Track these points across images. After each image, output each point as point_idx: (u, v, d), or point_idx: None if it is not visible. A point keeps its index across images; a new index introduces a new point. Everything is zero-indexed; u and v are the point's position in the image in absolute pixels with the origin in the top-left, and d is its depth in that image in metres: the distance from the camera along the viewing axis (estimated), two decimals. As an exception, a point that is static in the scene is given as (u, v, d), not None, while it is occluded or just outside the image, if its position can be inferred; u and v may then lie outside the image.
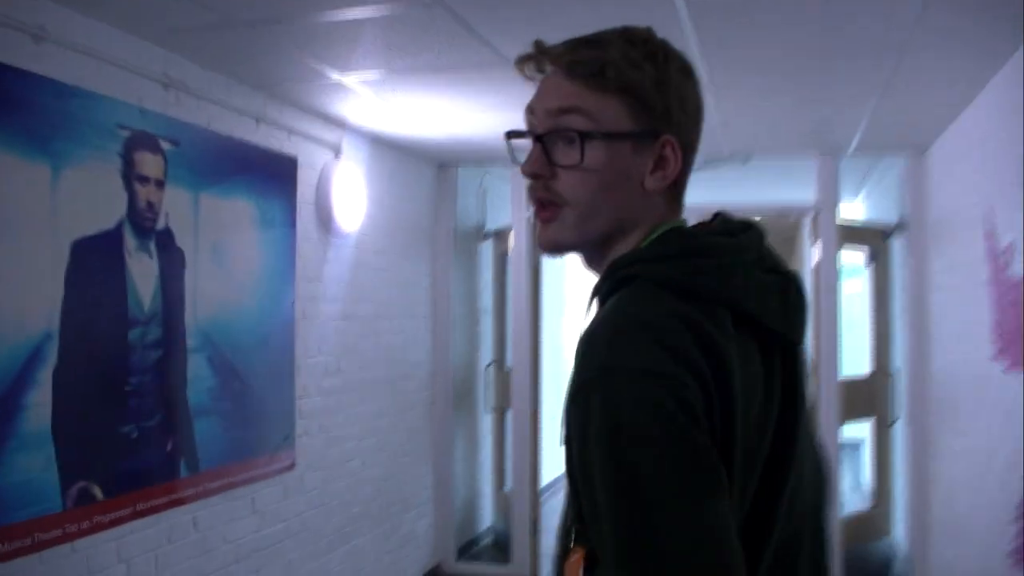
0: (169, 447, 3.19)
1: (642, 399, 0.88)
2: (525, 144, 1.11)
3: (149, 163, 3.09)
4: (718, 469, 0.88)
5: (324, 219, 4.26)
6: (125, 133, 2.98)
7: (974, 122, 3.77)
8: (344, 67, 3.39)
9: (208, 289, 3.39)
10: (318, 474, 4.20)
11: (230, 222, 3.55)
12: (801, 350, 1.09)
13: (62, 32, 2.72)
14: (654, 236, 1.07)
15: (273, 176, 3.85)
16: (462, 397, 5.75)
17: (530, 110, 1.10)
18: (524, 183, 1.12)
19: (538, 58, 1.09)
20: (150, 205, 3.09)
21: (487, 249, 6.12)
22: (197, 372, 3.33)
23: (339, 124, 4.36)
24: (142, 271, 3.05)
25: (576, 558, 0.96)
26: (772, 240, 1.12)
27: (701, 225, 1.11)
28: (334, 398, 4.36)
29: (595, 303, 1.06)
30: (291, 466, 3.96)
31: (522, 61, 1.10)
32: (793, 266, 1.15)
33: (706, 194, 6.69)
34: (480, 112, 4.05)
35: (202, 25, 2.90)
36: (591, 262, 1.14)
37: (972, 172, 3.78)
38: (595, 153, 1.05)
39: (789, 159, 5.16)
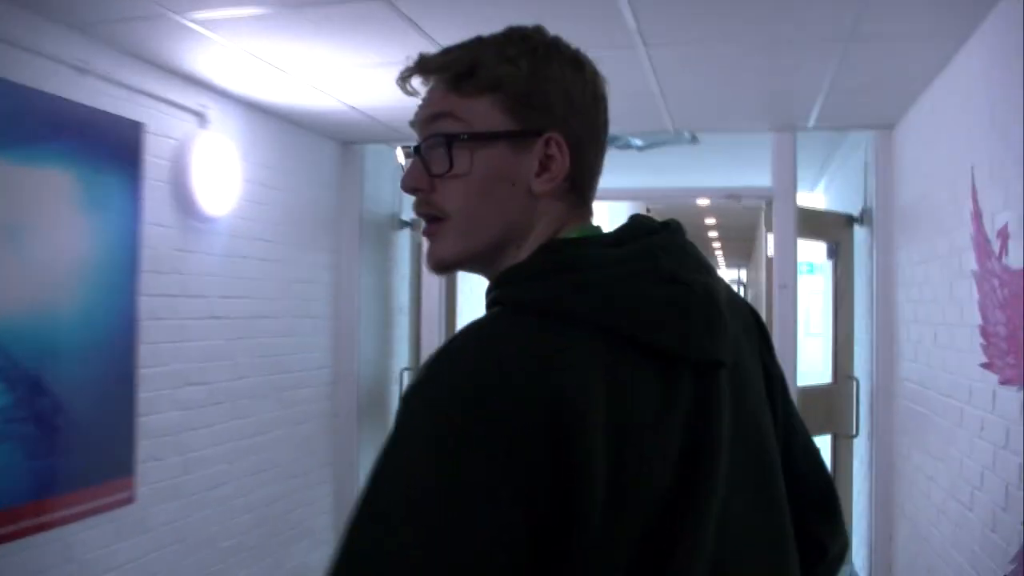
0: (-70, 486, 2.46)
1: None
2: None
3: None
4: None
5: (184, 201, 3.54)
6: None
7: (952, 88, 3.16)
8: (189, 5, 2.69)
9: (-1, 281, 2.67)
10: (170, 506, 3.48)
11: (35, 198, 2.82)
12: (727, 372, 0.95)
13: None
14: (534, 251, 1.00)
15: (106, 144, 3.12)
16: (371, 408, 5.05)
17: (412, 125, 1.07)
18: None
19: (417, 70, 1.04)
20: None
21: (404, 239, 5.43)
22: (-22, 387, 2.61)
23: (204, 85, 3.64)
24: None
25: None
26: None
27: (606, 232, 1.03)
28: (194, 413, 3.65)
29: None
30: (128, 499, 3.24)
31: (403, 78, 1.05)
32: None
33: (655, 179, 6.15)
34: (390, 76, 3.38)
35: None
36: (489, 279, 1.04)
37: (950, 147, 3.17)
38: (466, 157, 1.00)
39: (741, 136, 4.54)
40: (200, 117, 3.63)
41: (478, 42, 1.03)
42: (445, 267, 1.05)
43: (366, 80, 3.51)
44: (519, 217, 1.02)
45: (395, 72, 1.04)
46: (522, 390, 0.80)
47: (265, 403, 4.15)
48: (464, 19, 2.74)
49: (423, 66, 1.03)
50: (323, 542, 4.67)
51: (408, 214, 5.32)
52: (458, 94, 1.01)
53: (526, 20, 2.72)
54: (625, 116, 3.93)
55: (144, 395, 3.31)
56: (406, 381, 5.20)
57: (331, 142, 4.75)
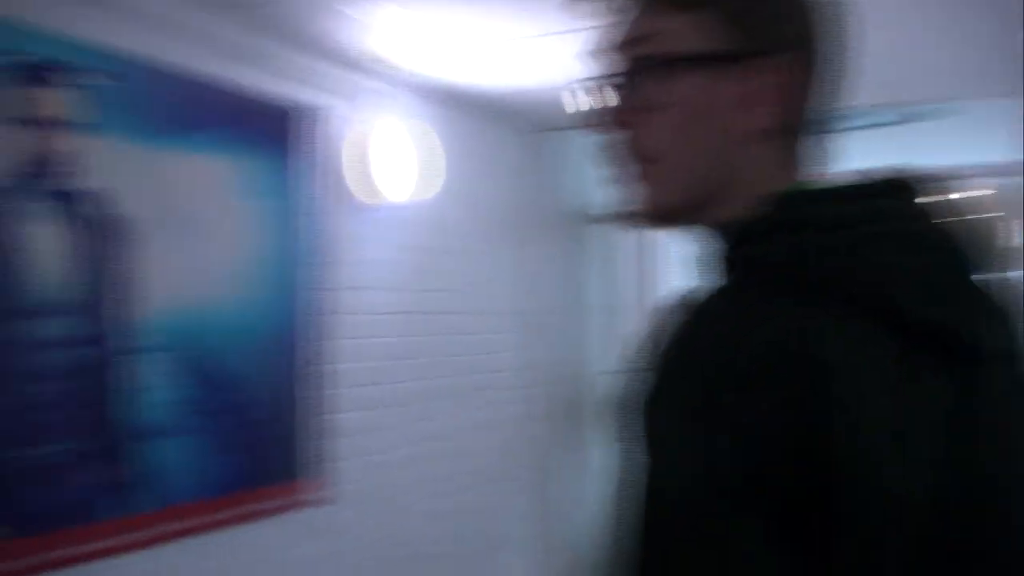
0: (106, 477, 2.41)
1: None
2: None
3: (56, 102, 2.33)
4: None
5: (362, 189, 3.43)
6: (17, 62, 2.24)
7: None
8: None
9: (170, 274, 2.62)
10: (362, 510, 3.35)
11: (205, 188, 2.76)
12: (1007, 364, 0.77)
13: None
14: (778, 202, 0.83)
15: (271, 132, 3.03)
16: (568, 410, 4.78)
17: (601, 52, 0.90)
18: None
19: None
20: (58, 158, 2.34)
21: (594, 234, 5.14)
22: (154, 380, 2.55)
23: (385, 67, 3.50)
24: (48, 244, 2.30)
25: None
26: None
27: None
28: (385, 412, 3.51)
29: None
30: (321, 500, 3.13)
31: None
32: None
33: (890, 159, 5.55)
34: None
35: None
36: (706, 236, 0.89)
37: None
38: (671, 87, 0.85)
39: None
40: (383, 101, 3.51)
41: None
42: (661, 218, 0.90)
43: (554, 59, 3.28)
44: (721, 161, 0.87)
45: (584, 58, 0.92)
46: (791, 388, 0.70)
47: (459, 403, 3.97)
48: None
49: None
50: (524, 554, 4.43)
51: (598, 209, 5.03)
52: (660, 8, 0.87)
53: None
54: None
55: (330, 393, 3.20)
56: (608, 385, 4.89)
57: (524, 129, 4.53)
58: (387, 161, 3.49)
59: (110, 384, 2.44)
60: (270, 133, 3.02)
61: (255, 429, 2.89)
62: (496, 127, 4.34)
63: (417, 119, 3.75)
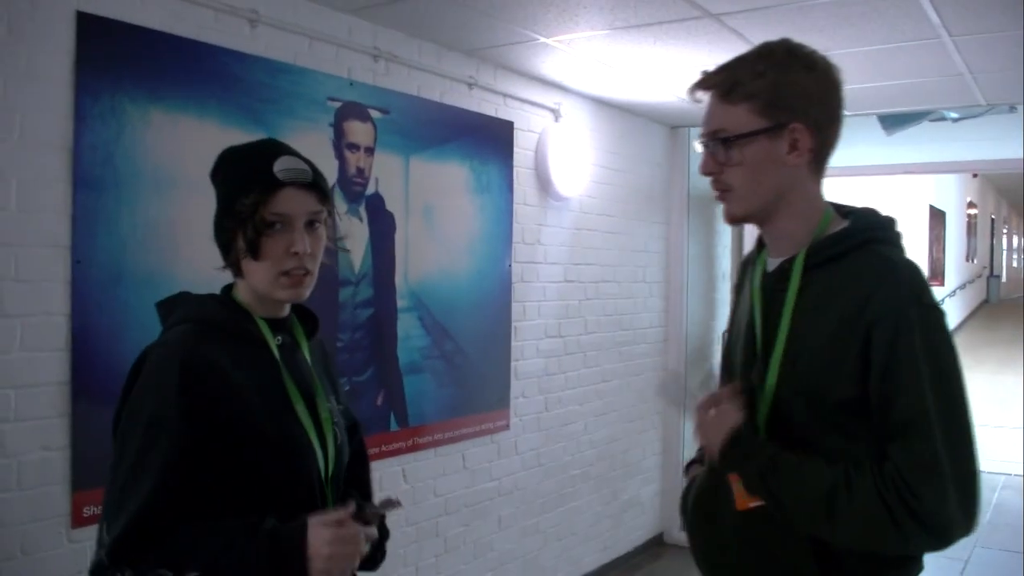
0: (379, 401, 3.37)
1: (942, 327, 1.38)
2: None
3: (358, 131, 3.25)
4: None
5: (543, 183, 4.29)
6: (335, 104, 3.15)
7: None
8: (553, 31, 3.37)
9: (419, 252, 3.54)
10: (534, 435, 4.27)
11: (442, 186, 3.66)
12: None
13: (275, 14, 2.92)
14: (854, 216, 1.50)
15: (489, 141, 3.92)
16: (695, 365, 5.61)
17: (703, 128, 1.51)
18: None
19: (698, 86, 1.50)
20: (360, 171, 3.26)
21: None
22: (408, 331, 3.49)
23: (558, 87, 4.36)
24: (353, 234, 3.23)
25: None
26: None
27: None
28: (554, 361, 4.41)
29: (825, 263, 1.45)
30: (505, 426, 4.05)
31: (691, 91, 1.51)
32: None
33: (974, 149, 6.10)
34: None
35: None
36: (762, 227, 1.54)
37: None
38: (737, 151, 1.44)
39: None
40: (555, 113, 4.34)
41: (738, 61, 1.47)
42: (733, 221, 1.52)
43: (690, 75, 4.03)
44: (780, 185, 1.45)
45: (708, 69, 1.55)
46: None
47: (608, 355, 4.84)
48: (780, 29, 3.18)
49: (702, 84, 1.50)
50: (651, 481, 5.33)
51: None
52: (726, 103, 1.45)
53: (835, 26, 3.20)
54: (937, 94, 4.15)
55: (516, 343, 4.11)
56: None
57: (662, 127, 5.33)
58: (564, 162, 4.33)
59: (386, 334, 3.39)
60: (490, 143, 3.90)
61: (468, 370, 3.81)
62: (642, 125, 5.14)
63: (584, 126, 4.58)
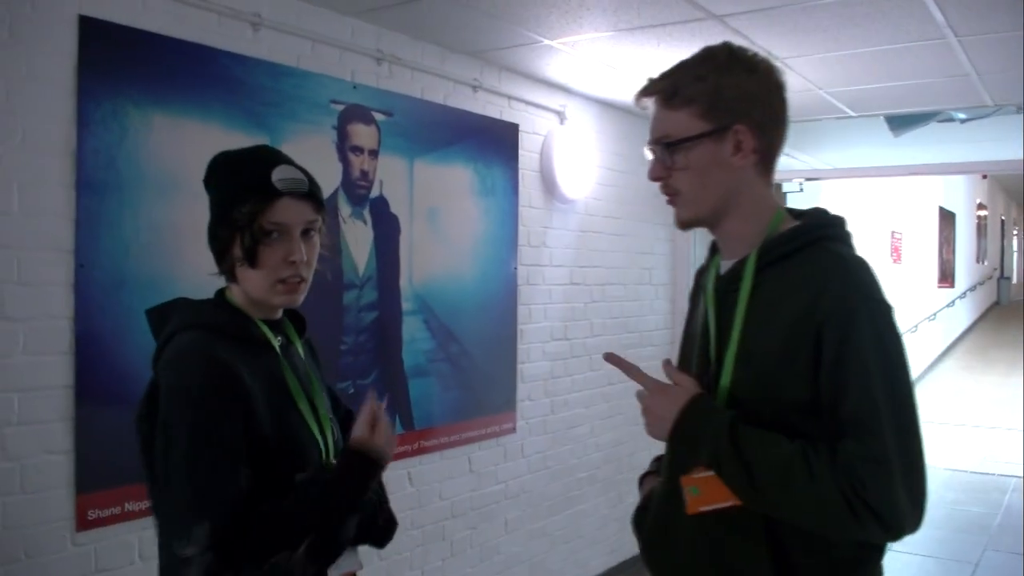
0: (384, 405, 3.35)
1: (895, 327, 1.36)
2: None
3: (362, 134, 3.25)
4: None
5: (549, 185, 4.28)
6: (338, 107, 3.15)
7: None
8: (557, 33, 3.36)
9: (424, 254, 3.53)
10: (541, 438, 4.26)
11: (447, 189, 3.66)
12: None
13: (277, 17, 2.93)
14: (805, 216, 1.50)
15: (493, 143, 3.92)
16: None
17: (650, 133, 1.51)
18: None
19: (641, 93, 1.51)
20: (364, 174, 3.26)
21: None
22: (413, 334, 3.49)
23: (563, 89, 4.35)
24: (356, 237, 3.23)
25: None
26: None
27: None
28: (560, 363, 4.39)
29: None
30: (512, 429, 4.04)
31: (636, 98, 1.52)
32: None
33: (981, 150, 6.07)
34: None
35: (411, -2, 2.99)
36: (713, 231, 1.54)
37: None
38: (682, 155, 1.45)
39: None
40: (560, 115, 4.34)
41: (679, 67, 1.47)
42: (684, 226, 1.53)
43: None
44: (727, 187, 1.45)
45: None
46: None
47: (613, 358, 4.81)
48: (783, 29, 3.17)
49: (645, 91, 1.50)
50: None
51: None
52: (668, 108, 1.46)
53: (839, 27, 3.18)
54: (943, 95, 4.13)
55: (522, 346, 4.10)
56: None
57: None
58: (569, 164, 4.32)
59: (391, 337, 3.38)
60: (494, 146, 3.90)
61: (474, 372, 3.80)
62: (647, 127, 5.11)
63: (589, 128, 4.57)
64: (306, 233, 1.58)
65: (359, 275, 3.24)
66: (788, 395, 1.37)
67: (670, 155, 1.46)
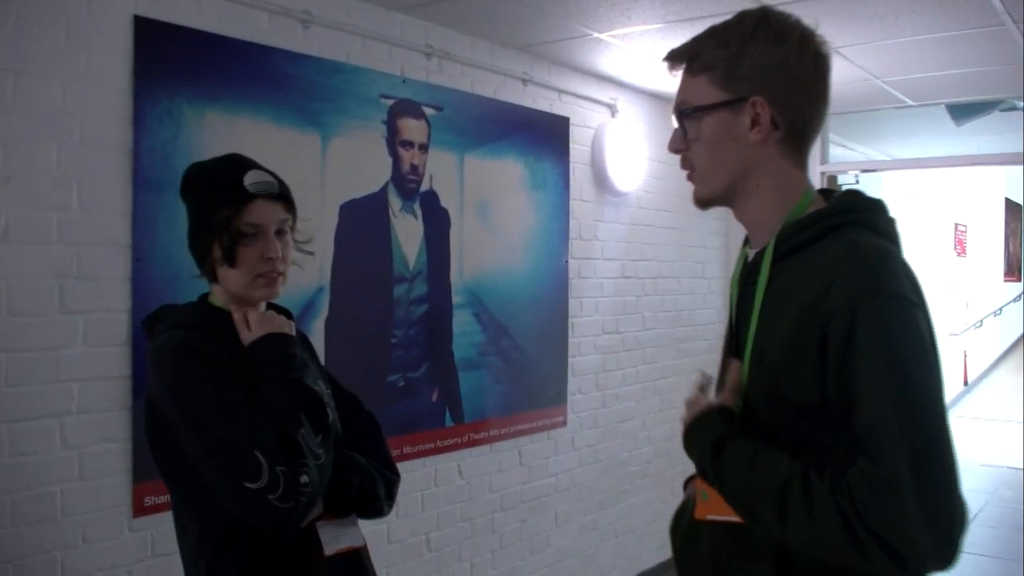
0: (434, 397, 3.39)
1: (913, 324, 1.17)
2: None
3: (412, 129, 3.27)
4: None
5: (600, 179, 4.27)
6: (388, 102, 3.18)
7: None
8: (606, 26, 3.35)
9: (474, 248, 3.55)
10: (591, 432, 4.25)
11: (497, 183, 3.67)
12: None
13: (327, 14, 2.96)
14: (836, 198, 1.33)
15: (544, 137, 3.92)
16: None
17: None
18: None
19: (666, 61, 1.39)
20: (414, 168, 3.29)
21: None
22: (463, 328, 3.51)
23: (614, 82, 4.33)
24: (407, 231, 3.26)
25: None
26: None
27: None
28: (611, 357, 4.38)
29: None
30: (563, 422, 4.05)
31: (667, 67, 1.39)
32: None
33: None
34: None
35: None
36: (735, 214, 1.39)
37: None
38: (696, 126, 1.33)
39: None
40: (611, 108, 4.32)
41: (708, 31, 1.34)
42: (700, 204, 1.40)
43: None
44: (742, 165, 1.32)
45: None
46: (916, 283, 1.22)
47: (667, 352, 4.80)
48: (837, 18, 3.12)
49: (669, 56, 1.38)
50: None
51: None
52: (688, 75, 1.34)
53: (896, 13, 3.11)
54: (1003, 83, 4.03)
55: (573, 340, 4.09)
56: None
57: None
58: (621, 158, 4.31)
59: (441, 330, 3.41)
60: (545, 139, 3.90)
61: (525, 366, 3.81)
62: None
63: (641, 121, 4.54)
64: (279, 232, 1.69)
65: (409, 269, 3.27)
66: (796, 398, 1.22)
67: (689, 125, 1.35)
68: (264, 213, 1.66)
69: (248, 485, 1.48)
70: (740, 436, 1.28)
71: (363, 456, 1.79)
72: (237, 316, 1.69)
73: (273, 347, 1.65)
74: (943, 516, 1.10)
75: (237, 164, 1.71)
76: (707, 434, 1.31)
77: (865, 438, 1.13)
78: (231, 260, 1.64)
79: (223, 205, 1.63)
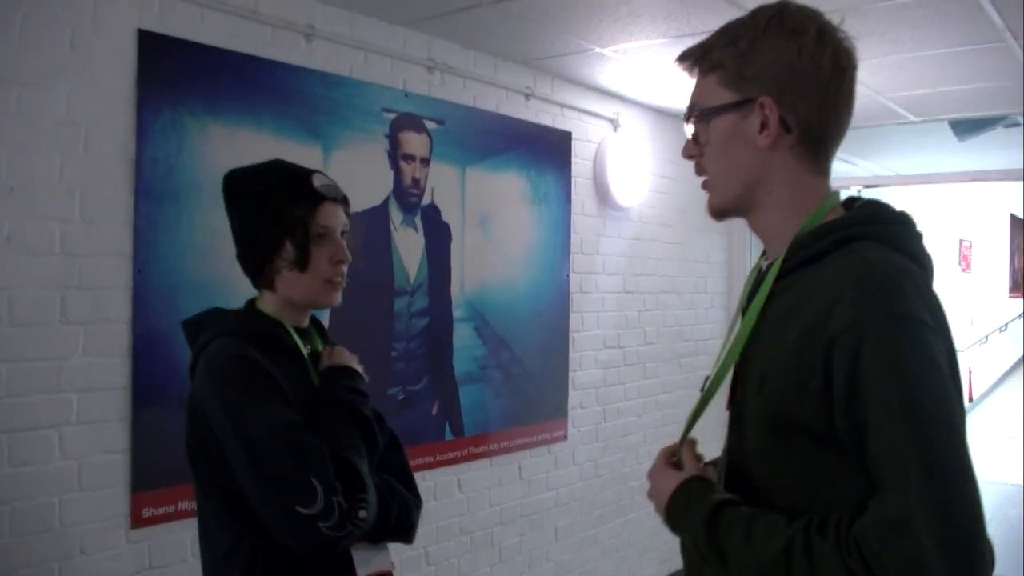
0: (434, 411, 3.39)
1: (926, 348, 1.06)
2: None
3: (414, 142, 3.29)
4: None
5: (602, 193, 4.27)
6: (390, 116, 3.20)
7: None
8: (607, 41, 3.37)
9: (476, 262, 3.56)
10: (592, 446, 4.25)
11: (499, 197, 3.68)
12: None
13: (330, 28, 2.98)
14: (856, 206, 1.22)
15: (546, 151, 3.93)
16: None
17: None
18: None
19: (678, 61, 1.28)
20: (415, 182, 3.30)
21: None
22: (464, 341, 3.51)
23: (616, 97, 4.34)
24: (408, 244, 3.27)
25: None
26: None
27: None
28: (612, 371, 4.38)
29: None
30: (563, 437, 4.04)
31: (681, 67, 1.28)
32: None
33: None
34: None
35: (464, 6, 3.01)
36: (749, 225, 1.28)
37: None
38: (707, 128, 1.23)
39: None
40: (613, 123, 4.33)
41: (722, 28, 1.23)
42: (714, 215, 1.29)
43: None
44: (753, 171, 1.21)
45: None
46: (934, 302, 1.10)
47: (668, 366, 4.79)
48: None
49: (680, 57, 1.27)
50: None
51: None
52: (701, 75, 1.24)
53: (898, 29, 3.11)
54: (1006, 99, 4.03)
55: (574, 354, 4.09)
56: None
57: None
58: (623, 172, 4.31)
59: (442, 344, 3.41)
60: (547, 153, 3.91)
61: (525, 380, 3.81)
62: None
63: (643, 136, 4.55)
64: (342, 235, 1.67)
65: (410, 282, 3.28)
66: (800, 425, 1.11)
67: (698, 129, 1.25)
68: (333, 216, 1.64)
69: (300, 510, 1.44)
70: (730, 504, 1.17)
71: (389, 468, 1.77)
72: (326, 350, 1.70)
73: (348, 377, 1.65)
74: (965, 560, 0.98)
75: (297, 167, 1.68)
76: (699, 505, 1.20)
77: (877, 475, 1.03)
78: (304, 263, 1.60)
79: (297, 205, 1.60)
